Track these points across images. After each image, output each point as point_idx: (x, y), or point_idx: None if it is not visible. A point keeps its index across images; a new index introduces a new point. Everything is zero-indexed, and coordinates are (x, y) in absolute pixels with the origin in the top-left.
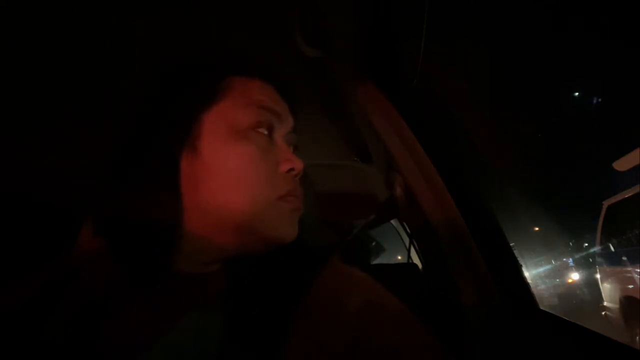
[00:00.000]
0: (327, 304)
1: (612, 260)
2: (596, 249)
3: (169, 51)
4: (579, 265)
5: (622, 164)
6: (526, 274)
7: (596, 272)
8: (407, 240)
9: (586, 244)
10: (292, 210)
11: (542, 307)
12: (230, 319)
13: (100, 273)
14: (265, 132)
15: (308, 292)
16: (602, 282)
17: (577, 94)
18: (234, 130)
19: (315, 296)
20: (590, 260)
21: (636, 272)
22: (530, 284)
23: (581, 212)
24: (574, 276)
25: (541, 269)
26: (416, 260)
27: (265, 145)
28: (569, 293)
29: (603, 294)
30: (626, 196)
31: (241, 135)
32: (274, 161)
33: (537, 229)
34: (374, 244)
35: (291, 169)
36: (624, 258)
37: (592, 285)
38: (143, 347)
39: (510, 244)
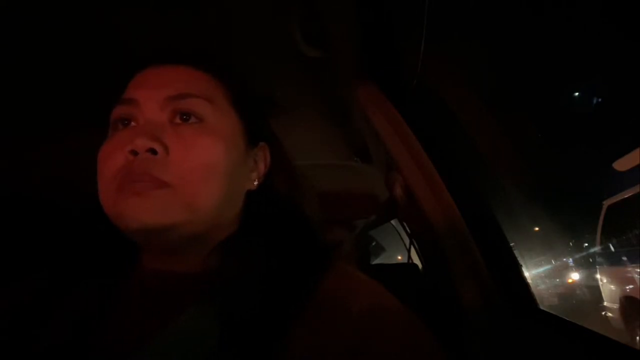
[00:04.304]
0: (329, 307)
1: (612, 260)
2: (596, 249)
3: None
4: (579, 265)
5: (622, 164)
6: (526, 274)
7: (596, 272)
8: (407, 240)
9: (586, 244)
10: (130, 195)
11: (542, 307)
12: (227, 319)
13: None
14: (121, 126)
15: (309, 293)
16: (602, 282)
17: (577, 94)
18: (110, 130)
19: (316, 298)
20: (590, 260)
21: (636, 272)
22: (530, 284)
23: (581, 212)
24: (574, 276)
25: (541, 269)
26: (416, 260)
27: (121, 139)
28: (569, 293)
29: (603, 294)
30: (626, 196)
31: (109, 135)
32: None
33: (537, 229)
34: (374, 244)
35: (131, 151)
36: (624, 258)
37: (592, 285)
38: (136, 348)
39: (510, 244)
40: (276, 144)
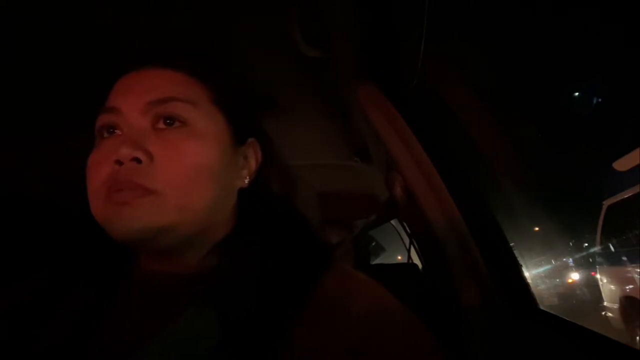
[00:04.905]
0: (328, 307)
1: (612, 260)
2: (596, 249)
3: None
4: (579, 265)
5: (622, 164)
6: (526, 274)
7: (596, 272)
8: (407, 240)
9: (586, 244)
10: (117, 204)
11: (542, 307)
12: (225, 320)
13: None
14: (106, 134)
15: (308, 293)
16: (602, 282)
17: (577, 94)
18: (96, 138)
19: (315, 298)
20: (590, 260)
21: (636, 272)
22: (530, 284)
23: (581, 212)
24: (574, 276)
25: (541, 269)
26: (416, 260)
27: (106, 149)
28: (569, 293)
29: (603, 294)
30: (626, 196)
31: (95, 144)
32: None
33: (537, 229)
34: (374, 244)
35: (116, 161)
36: (624, 258)
37: (592, 285)
38: (135, 348)
39: (510, 244)
40: (266, 140)
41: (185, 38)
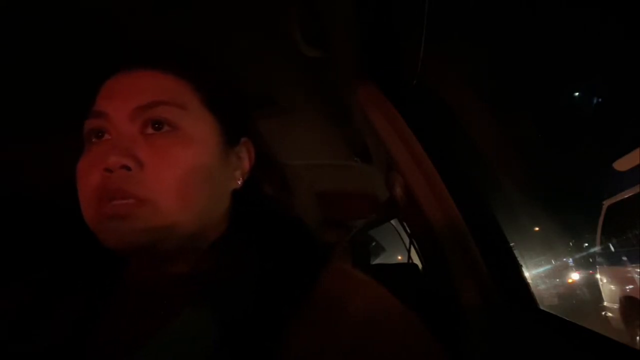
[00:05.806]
0: (325, 306)
1: (612, 260)
2: (596, 249)
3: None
4: (579, 265)
5: (622, 164)
6: (526, 274)
7: (596, 272)
8: (407, 240)
9: (586, 244)
10: (111, 218)
11: (542, 307)
12: (222, 320)
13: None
14: (94, 139)
15: (308, 294)
16: (602, 282)
17: (577, 94)
18: (85, 143)
19: (315, 298)
20: (590, 260)
21: (636, 272)
22: (530, 284)
23: (581, 212)
24: (574, 276)
25: (541, 269)
26: (416, 260)
27: (95, 156)
28: (569, 293)
29: (603, 294)
30: (626, 196)
31: (85, 149)
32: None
33: (537, 229)
34: (374, 244)
35: (105, 169)
36: (624, 258)
37: (592, 285)
38: (131, 348)
39: (510, 244)
40: (259, 139)
41: (185, 38)
